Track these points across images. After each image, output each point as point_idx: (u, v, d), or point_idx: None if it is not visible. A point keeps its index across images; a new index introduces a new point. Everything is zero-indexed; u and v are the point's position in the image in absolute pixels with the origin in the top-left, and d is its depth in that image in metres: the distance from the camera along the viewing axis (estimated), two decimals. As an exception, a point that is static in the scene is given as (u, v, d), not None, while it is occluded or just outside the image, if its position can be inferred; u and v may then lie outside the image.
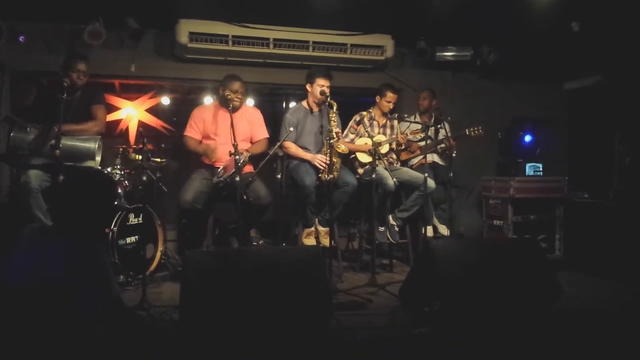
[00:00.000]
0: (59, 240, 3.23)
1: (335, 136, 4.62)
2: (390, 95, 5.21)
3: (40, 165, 4.06)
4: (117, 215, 4.42)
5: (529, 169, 6.21)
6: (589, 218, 5.44)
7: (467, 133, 5.38)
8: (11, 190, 5.08)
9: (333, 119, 4.68)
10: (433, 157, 5.64)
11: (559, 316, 3.61)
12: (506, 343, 3.17)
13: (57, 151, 3.86)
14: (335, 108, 4.67)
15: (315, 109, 4.98)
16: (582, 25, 5.23)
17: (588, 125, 6.80)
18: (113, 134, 6.27)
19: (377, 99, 5.31)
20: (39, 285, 2.90)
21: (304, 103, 5.05)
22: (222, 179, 4.34)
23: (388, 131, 5.36)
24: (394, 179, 4.65)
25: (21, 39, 5.16)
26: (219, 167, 4.49)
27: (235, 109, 4.49)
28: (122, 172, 4.76)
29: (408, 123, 5.48)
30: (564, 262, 5.42)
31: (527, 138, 6.73)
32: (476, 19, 5.29)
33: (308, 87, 4.93)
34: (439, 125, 5.33)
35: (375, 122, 5.32)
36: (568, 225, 5.61)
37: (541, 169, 6.24)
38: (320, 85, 4.79)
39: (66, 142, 4.02)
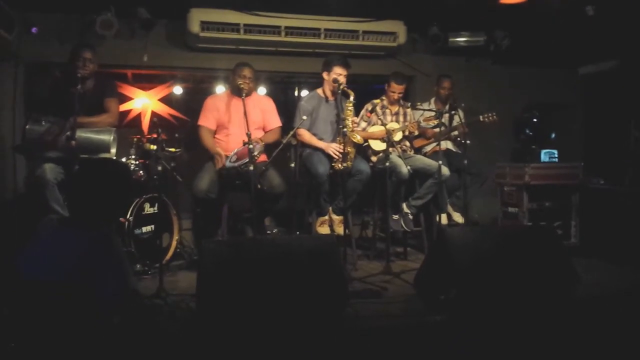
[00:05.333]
0: (74, 231, 3.26)
1: (350, 125, 4.61)
2: (394, 86, 5.15)
3: (55, 159, 4.06)
4: (132, 205, 4.46)
5: (544, 155, 6.14)
6: (605, 204, 5.38)
7: (482, 119, 5.35)
8: (28, 181, 5.12)
9: (349, 108, 4.65)
10: (447, 145, 5.59)
11: (575, 303, 3.59)
12: (522, 330, 3.17)
13: (73, 142, 3.87)
14: (352, 97, 4.65)
15: (331, 97, 4.94)
16: (597, 8, 5.15)
17: (603, 110, 6.73)
18: (125, 122, 6.29)
19: (386, 87, 5.27)
20: (55, 276, 2.93)
21: (319, 91, 5.01)
22: (235, 165, 4.34)
23: (401, 119, 5.32)
24: (408, 167, 4.64)
25: (34, 30, 5.15)
26: (231, 153, 4.50)
27: (244, 94, 4.43)
28: (137, 162, 4.79)
29: (422, 110, 5.44)
30: (580, 249, 5.38)
31: (542, 124, 6.67)
32: (489, 3, 5.22)
33: (325, 74, 4.88)
34: (453, 112, 5.29)
35: (387, 110, 5.28)
36: (584, 212, 5.56)
37: (556, 155, 6.18)
38: (337, 74, 4.74)
39: (81, 134, 3.99)
